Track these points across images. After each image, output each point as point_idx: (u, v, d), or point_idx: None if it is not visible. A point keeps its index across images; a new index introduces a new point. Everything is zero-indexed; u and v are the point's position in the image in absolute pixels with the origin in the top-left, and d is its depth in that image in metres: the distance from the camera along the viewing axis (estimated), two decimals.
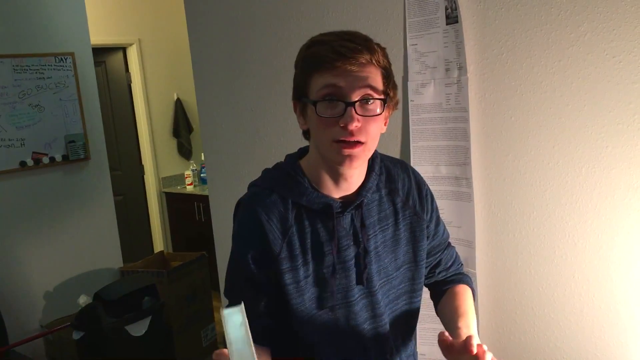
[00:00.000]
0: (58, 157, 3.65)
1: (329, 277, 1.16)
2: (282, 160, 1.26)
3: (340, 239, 1.17)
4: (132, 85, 5.22)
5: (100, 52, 4.95)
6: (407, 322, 1.30)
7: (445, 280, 1.39)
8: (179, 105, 5.39)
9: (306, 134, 1.19)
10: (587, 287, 1.64)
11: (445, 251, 1.38)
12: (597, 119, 1.55)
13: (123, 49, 5.14)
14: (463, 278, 1.40)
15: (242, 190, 1.23)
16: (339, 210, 1.16)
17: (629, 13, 1.46)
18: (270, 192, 1.17)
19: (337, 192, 1.17)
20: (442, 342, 1.10)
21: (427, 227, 1.29)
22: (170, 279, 3.56)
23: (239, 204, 1.22)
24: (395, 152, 1.96)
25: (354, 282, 1.18)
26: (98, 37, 4.62)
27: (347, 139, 1.05)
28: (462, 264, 1.44)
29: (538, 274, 1.73)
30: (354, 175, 1.17)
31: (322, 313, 1.18)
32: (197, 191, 5.07)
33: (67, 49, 3.69)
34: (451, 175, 1.85)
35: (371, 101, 1.07)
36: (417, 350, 1.41)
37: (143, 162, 5.34)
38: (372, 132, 1.08)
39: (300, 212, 1.16)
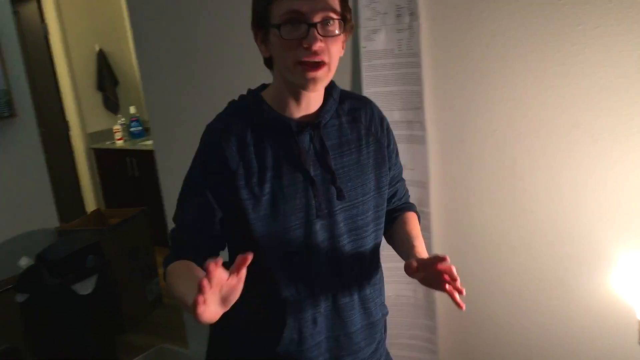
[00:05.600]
0: None
1: (301, 191, 1.21)
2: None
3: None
4: (49, 37, 4.92)
5: (12, 1, 4.61)
6: (373, 252, 1.35)
7: (395, 208, 1.47)
8: (101, 58, 5.16)
9: (268, 62, 1.24)
10: (534, 219, 1.77)
11: (400, 182, 1.47)
12: (542, 61, 1.64)
13: None
14: (411, 207, 1.50)
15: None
16: (296, 129, 1.21)
17: None
18: (232, 115, 1.25)
19: (297, 115, 1.24)
20: (409, 268, 1.18)
21: (389, 158, 1.36)
22: (112, 235, 3.49)
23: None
24: None
25: (313, 201, 1.23)
26: None
27: (311, 59, 1.11)
28: (409, 195, 1.53)
29: (488, 210, 1.84)
30: (314, 96, 1.23)
31: (281, 231, 1.22)
32: (128, 146, 4.92)
33: None
34: (404, 119, 1.91)
35: (331, 22, 1.12)
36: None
37: (67, 118, 5.09)
38: (333, 53, 1.14)
39: (260, 132, 1.22)
